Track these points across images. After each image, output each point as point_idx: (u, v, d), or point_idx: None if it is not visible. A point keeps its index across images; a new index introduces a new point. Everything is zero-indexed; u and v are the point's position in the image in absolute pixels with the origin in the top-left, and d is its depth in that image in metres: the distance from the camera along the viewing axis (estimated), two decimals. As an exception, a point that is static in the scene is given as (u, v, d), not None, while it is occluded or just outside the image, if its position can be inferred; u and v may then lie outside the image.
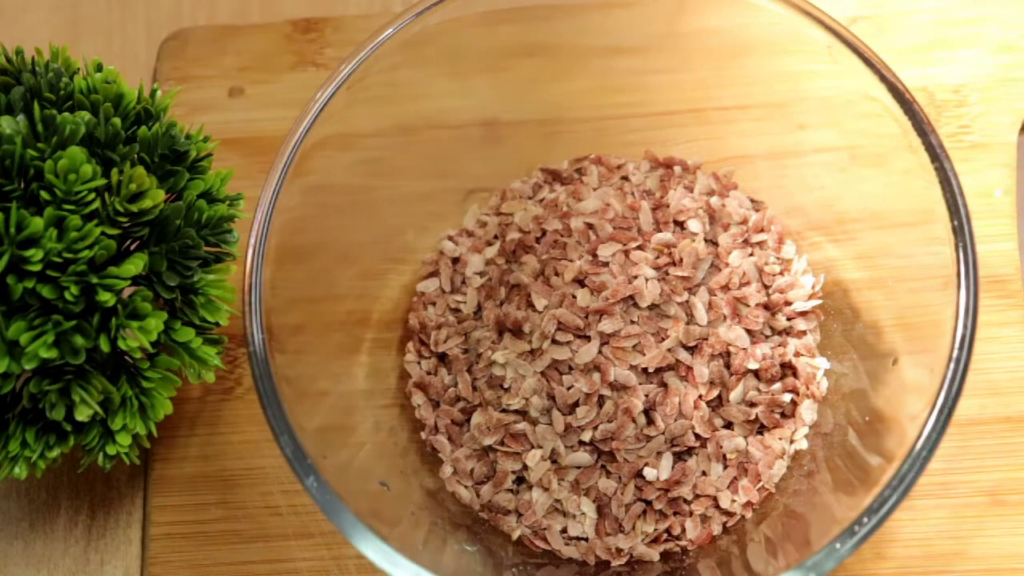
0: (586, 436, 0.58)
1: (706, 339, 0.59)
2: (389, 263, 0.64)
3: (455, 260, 0.64)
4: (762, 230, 0.62)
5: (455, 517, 0.60)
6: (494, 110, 0.64)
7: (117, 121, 0.54)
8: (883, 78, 0.54)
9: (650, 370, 0.59)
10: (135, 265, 0.52)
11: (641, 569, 0.58)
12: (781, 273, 0.62)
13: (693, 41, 0.62)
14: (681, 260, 0.60)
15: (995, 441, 0.60)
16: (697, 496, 0.58)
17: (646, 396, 0.58)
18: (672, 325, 0.59)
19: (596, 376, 0.59)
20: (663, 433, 0.58)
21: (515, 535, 0.59)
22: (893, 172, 0.56)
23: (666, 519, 0.58)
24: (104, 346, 0.52)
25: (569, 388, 0.59)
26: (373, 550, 0.49)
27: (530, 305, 0.61)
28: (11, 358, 0.50)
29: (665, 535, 0.58)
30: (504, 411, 0.60)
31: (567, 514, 0.59)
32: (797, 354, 0.60)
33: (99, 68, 0.56)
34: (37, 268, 0.50)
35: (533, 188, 0.65)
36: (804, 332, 0.61)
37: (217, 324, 0.56)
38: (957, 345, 0.50)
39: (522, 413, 0.60)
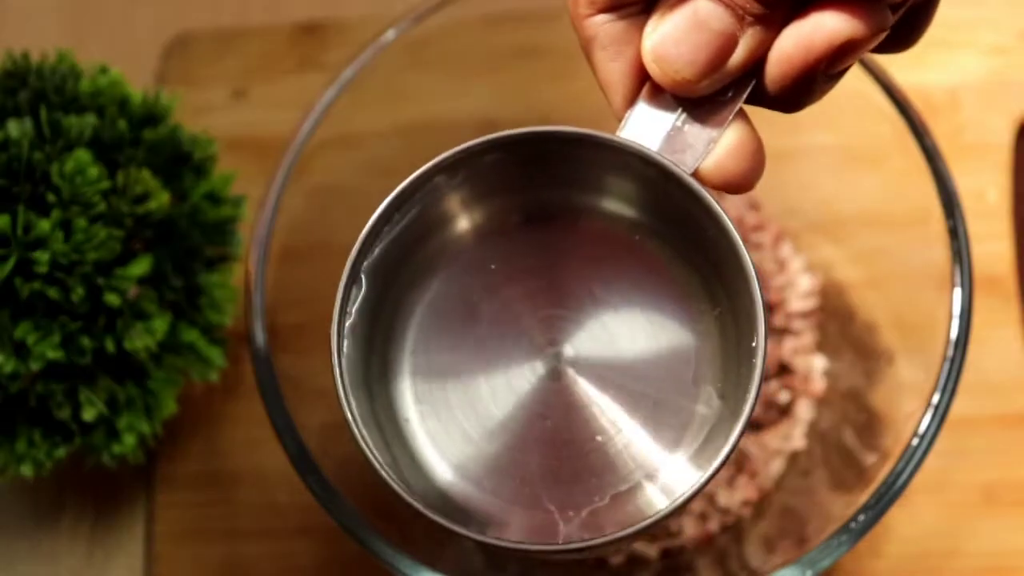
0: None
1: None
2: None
3: (455, 260, 0.64)
4: (759, 229, 0.63)
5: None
6: (494, 111, 0.64)
7: (123, 124, 0.54)
8: (878, 80, 0.54)
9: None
10: (141, 266, 0.52)
11: (639, 566, 0.58)
12: (778, 273, 0.62)
13: (691, 43, 0.62)
14: (679, 260, 0.61)
15: (989, 440, 0.61)
16: (695, 494, 0.59)
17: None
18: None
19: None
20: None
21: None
22: (889, 173, 0.56)
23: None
24: (110, 347, 0.52)
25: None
26: (374, 547, 0.50)
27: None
28: (18, 359, 0.51)
29: (663, 532, 0.59)
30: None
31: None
32: (794, 353, 0.61)
33: (104, 71, 0.56)
34: (44, 270, 0.50)
35: (533, 188, 0.66)
36: (801, 331, 0.61)
37: (221, 324, 0.57)
38: (952, 344, 0.50)
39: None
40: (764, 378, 0.38)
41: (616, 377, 0.40)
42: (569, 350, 0.41)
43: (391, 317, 0.42)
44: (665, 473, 0.40)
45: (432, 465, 0.41)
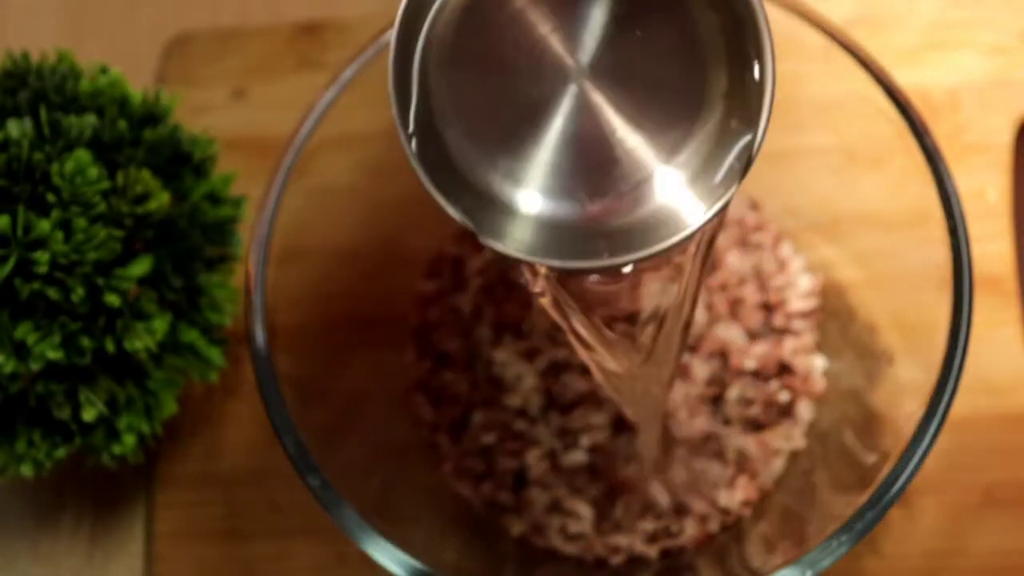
0: (585, 438, 0.59)
1: (704, 338, 0.60)
2: (389, 263, 0.64)
3: (455, 260, 0.64)
4: (759, 230, 0.63)
5: (455, 515, 0.60)
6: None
7: (123, 124, 0.54)
8: (879, 80, 0.54)
9: (648, 369, 0.59)
10: (141, 267, 0.52)
11: (640, 566, 0.59)
12: (778, 273, 0.62)
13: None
14: (679, 260, 0.61)
15: (990, 440, 0.61)
16: (696, 494, 0.59)
17: (645, 396, 0.59)
18: (670, 324, 0.60)
19: (597, 377, 0.59)
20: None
21: (514, 532, 0.60)
22: (889, 173, 0.56)
23: (664, 517, 0.59)
24: (110, 347, 0.52)
25: (568, 388, 0.59)
26: (375, 547, 0.50)
27: (529, 304, 0.61)
28: (18, 359, 0.51)
29: (663, 533, 0.59)
30: (504, 410, 0.60)
31: (566, 512, 0.60)
32: (794, 353, 0.61)
33: (104, 71, 0.56)
34: (44, 270, 0.50)
35: (533, 188, 0.66)
36: (801, 332, 0.61)
37: (221, 324, 0.57)
38: (952, 345, 0.50)
39: (521, 412, 0.60)
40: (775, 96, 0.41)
41: (631, 82, 0.42)
42: (586, 56, 0.42)
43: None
44: (685, 161, 0.42)
45: (456, 161, 0.43)
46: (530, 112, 0.43)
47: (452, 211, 0.41)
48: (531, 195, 0.42)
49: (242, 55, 0.70)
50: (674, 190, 0.42)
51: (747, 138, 0.41)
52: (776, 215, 0.63)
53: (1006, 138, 0.65)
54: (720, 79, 0.42)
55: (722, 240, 0.62)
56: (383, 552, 0.50)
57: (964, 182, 0.54)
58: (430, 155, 0.43)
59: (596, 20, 0.43)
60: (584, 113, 0.42)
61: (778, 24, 0.56)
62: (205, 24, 0.72)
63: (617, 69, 0.42)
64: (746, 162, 0.41)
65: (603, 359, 0.51)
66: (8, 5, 0.74)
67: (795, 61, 0.58)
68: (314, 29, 0.71)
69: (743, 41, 0.42)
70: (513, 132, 0.43)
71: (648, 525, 0.59)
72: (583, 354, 0.50)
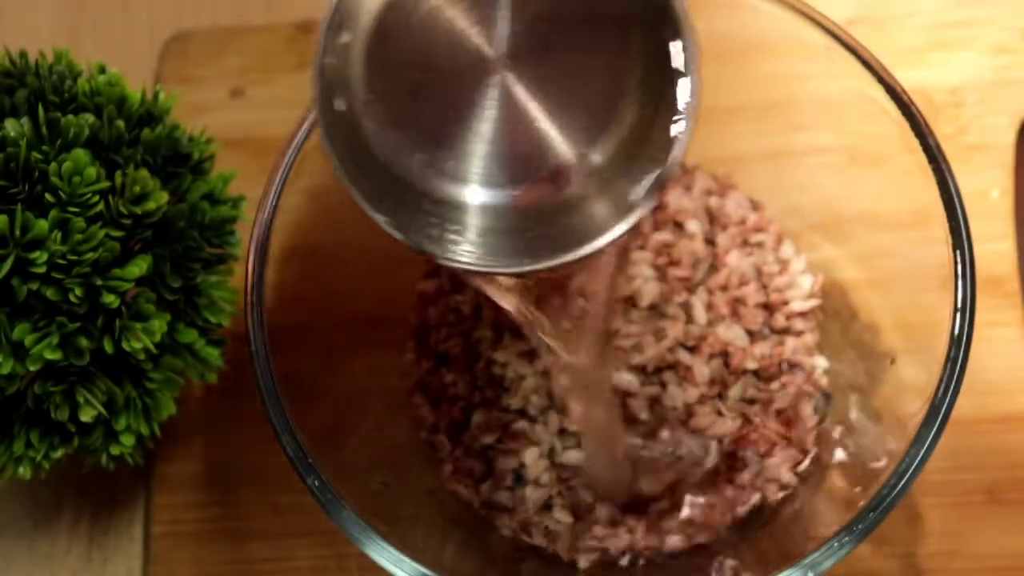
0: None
1: (705, 339, 0.60)
2: (389, 263, 0.64)
3: (455, 260, 0.64)
4: (761, 230, 0.63)
5: (455, 515, 0.60)
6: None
7: (121, 123, 0.54)
8: (881, 79, 0.54)
9: (649, 369, 0.59)
10: (139, 267, 0.52)
11: (639, 570, 0.58)
12: (780, 273, 0.62)
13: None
14: (680, 260, 0.61)
15: (993, 440, 0.61)
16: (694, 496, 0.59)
17: (647, 398, 0.59)
18: (671, 325, 0.60)
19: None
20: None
21: (505, 531, 0.59)
22: (891, 173, 0.56)
23: (663, 520, 0.59)
24: (108, 347, 0.52)
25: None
26: (373, 549, 0.50)
27: (530, 305, 0.61)
28: (16, 360, 0.51)
29: (661, 536, 0.59)
30: (503, 410, 0.60)
31: (553, 511, 0.59)
32: (796, 353, 0.61)
33: (102, 70, 0.56)
34: (42, 270, 0.50)
35: (533, 188, 0.65)
36: (803, 332, 0.61)
37: (220, 325, 0.57)
38: (954, 345, 0.50)
39: (521, 412, 0.60)
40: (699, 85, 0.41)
41: (552, 72, 0.43)
42: (506, 48, 0.43)
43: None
44: (604, 150, 0.43)
45: (385, 151, 0.44)
46: (451, 103, 0.43)
47: (376, 217, 0.43)
48: (454, 183, 0.43)
49: (241, 54, 0.70)
50: (592, 189, 0.42)
51: (663, 150, 0.42)
52: (777, 215, 0.63)
53: (1008, 138, 0.65)
54: (638, 76, 0.42)
55: (723, 240, 0.62)
56: (382, 553, 0.50)
57: (966, 182, 0.54)
58: (351, 152, 0.43)
59: (516, 13, 0.43)
60: (505, 102, 0.43)
61: (779, 23, 0.57)
62: (203, 23, 0.72)
63: (538, 60, 0.42)
64: (662, 175, 0.41)
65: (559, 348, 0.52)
66: (6, 4, 0.74)
67: (796, 60, 0.58)
68: (313, 28, 0.71)
69: (663, 44, 0.42)
70: (435, 123, 0.43)
71: (641, 527, 0.59)
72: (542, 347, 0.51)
